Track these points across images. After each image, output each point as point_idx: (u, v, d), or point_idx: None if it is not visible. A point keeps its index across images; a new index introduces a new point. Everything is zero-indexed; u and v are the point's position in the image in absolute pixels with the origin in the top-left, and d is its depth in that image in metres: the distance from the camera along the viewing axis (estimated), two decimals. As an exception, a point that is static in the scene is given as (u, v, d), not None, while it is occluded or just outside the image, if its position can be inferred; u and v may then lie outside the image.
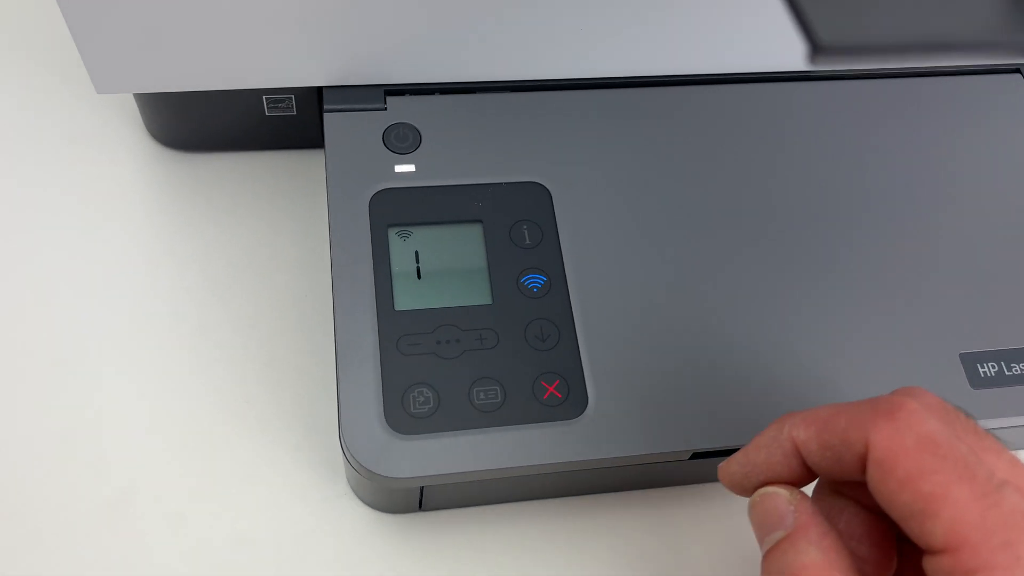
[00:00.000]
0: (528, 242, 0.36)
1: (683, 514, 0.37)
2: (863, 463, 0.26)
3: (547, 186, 0.38)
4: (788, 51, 0.40)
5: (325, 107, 0.38)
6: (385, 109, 0.39)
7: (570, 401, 0.34)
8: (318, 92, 0.39)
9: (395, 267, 0.35)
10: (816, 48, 0.16)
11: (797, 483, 0.28)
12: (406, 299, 0.35)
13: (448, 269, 0.36)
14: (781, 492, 0.28)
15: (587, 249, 0.36)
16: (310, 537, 0.36)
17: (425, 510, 0.36)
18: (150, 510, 0.35)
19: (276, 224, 0.41)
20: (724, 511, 0.38)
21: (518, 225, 0.37)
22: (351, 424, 0.32)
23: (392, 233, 0.36)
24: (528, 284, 0.36)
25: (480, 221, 0.37)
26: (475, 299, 0.35)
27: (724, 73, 0.41)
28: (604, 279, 0.36)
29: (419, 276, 0.35)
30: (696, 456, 0.34)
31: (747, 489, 0.29)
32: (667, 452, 0.33)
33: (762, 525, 0.28)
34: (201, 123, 0.41)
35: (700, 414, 0.34)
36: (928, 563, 0.24)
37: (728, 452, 0.34)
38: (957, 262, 0.38)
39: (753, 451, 0.29)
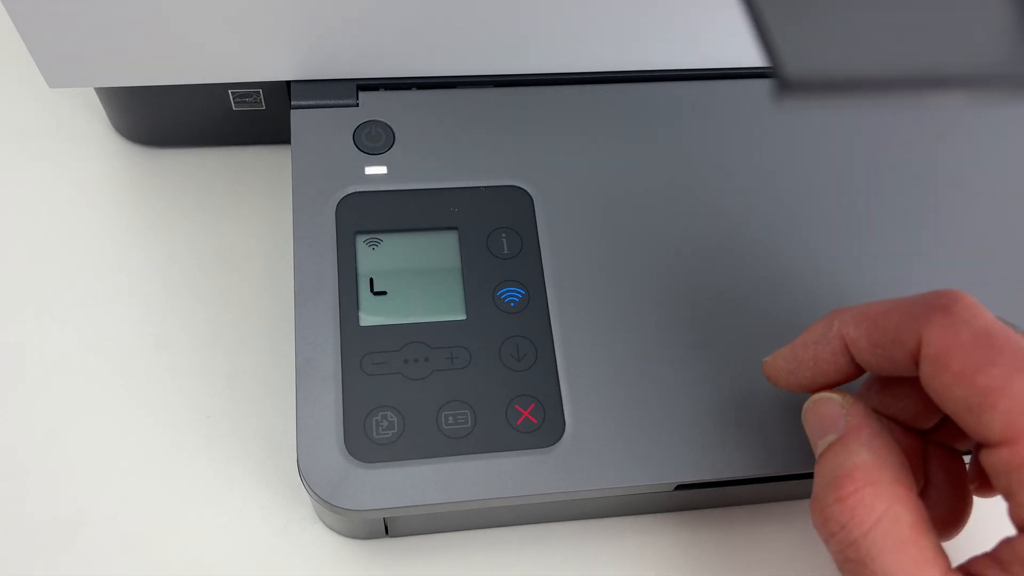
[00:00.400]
0: (506, 252, 0.34)
1: (668, 543, 0.35)
2: (915, 359, 0.25)
3: (529, 190, 0.35)
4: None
5: (292, 103, 0.36)
6: (357, 105, 0.36)
7: (546, 427, 0.31)
8: (287, 86, 0.37)
9: (361, 278, 0.33)
10: (782, 83, 0.13)
11: (844, 380, 0.28)
12: (372, 314, 0.32)
13: (419, 281, 0.33)
14: (834, 397, 0.28)
15: (570, 260, 0.34)
16: (272, 562, 0.33)
17: (393, 536, 0.34)
18: (103, 533, 0.33)
19: (244, 225, 0.39)
20: (712, 538, 0.35)
21: (496, 233, 0.34)
22: (308, 450, 0.30)
23: (360, 241, 0.33)
24: (505, 298, 0.33)
25: (455, 228, 0.34)
26: (447, 314, 0.33)
27: (721, 68, 0.38)
28: (587, 294, 0.33)
29: (387, 288, 0.33)
30: (681, 488, 0.32)
31: (791, 385, 0.29)
32: (649, 484, 0.31)
33: (815, 430, 0.28)
34: (166, 117, 0.39)
35: (686, 444, 0.31)
36: (985, 457, 0.24)
37: (716, 485, 0.32)
38: (954, 268, 0.35)
39: (800, 348, 0.28)
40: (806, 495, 0.35)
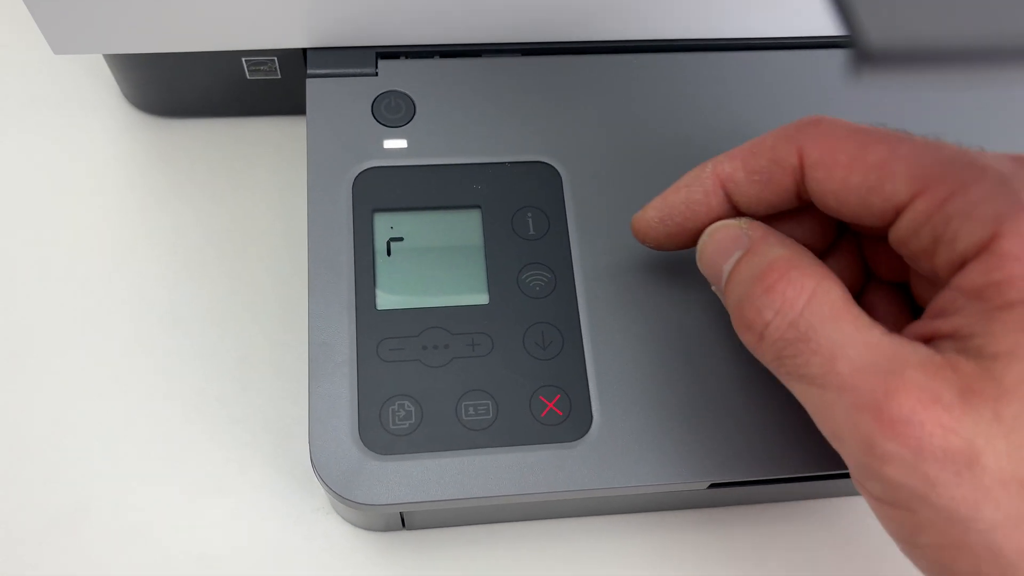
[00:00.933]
0: (532, 232, 0.32)
1: (698, 540, 0.33)
2: (796, 180, 0.26)
3: (557, 167, 0.33)
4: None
5: (308, 72, 0.34)
6: (376, 75, 0.34)
7: (572, 420, 0.29)
8: (303, 53, 0.35)
9: (379, 259, 0.31)
10: (862, 53, 0.11)
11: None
12: (390, 296, 0.31)
13: (439, 262, 0.31)
14: (731, 222, 0.27)
15: (600, 242, 0.32)
16: (284, 555, 0.32)
17: (410, 528, 0.33)
18: (107, 523, 0.32)
19: (258, 199, 0.37)
20: (747, 536, 0.33)
21: (522, 212, 0.32)
22: (321, 440, 0.29)
23: (378, 219, 0.32)
24: (530, 281, 0.31)
25: (479, 207, 0.32)
26: (469, 298, 0.31)
27: (768, 38, 0.35)
28: (618, 278, 0.31)
29: (405, 270, 0.31)
30: (715, 487, 0.30)
31: (661, 236, 0.28)
32: (681, 483, 0.29)
33: (718, 255, 0.27)
34: (178, 86, 0.37)
35: (722, 440, 0.29)
36: (899, 228, 0.24)
37: (753, 484, 0.30)
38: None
39: (672, 193, 0.28)
40: (845, 493, 0.34)
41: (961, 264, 0.23)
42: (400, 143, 0.33)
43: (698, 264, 0.28)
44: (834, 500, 0.34)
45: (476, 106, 0.34)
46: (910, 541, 0.23)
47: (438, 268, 0.31)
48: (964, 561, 0.22)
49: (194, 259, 0.36)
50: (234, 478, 0.33)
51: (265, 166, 0.38)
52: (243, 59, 0.35)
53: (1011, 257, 0.22)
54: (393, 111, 0.33)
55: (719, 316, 0.31)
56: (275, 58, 0.35)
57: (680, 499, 0.32)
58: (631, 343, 0.30)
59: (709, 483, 0.29)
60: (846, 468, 0.29)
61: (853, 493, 0.34)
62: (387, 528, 0.32)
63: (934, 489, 0.22)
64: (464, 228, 0.32)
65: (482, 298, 0.31)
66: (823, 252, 0.28)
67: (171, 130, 0.38)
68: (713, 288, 0.27)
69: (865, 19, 0.11)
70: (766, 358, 0.25)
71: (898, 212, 0.24)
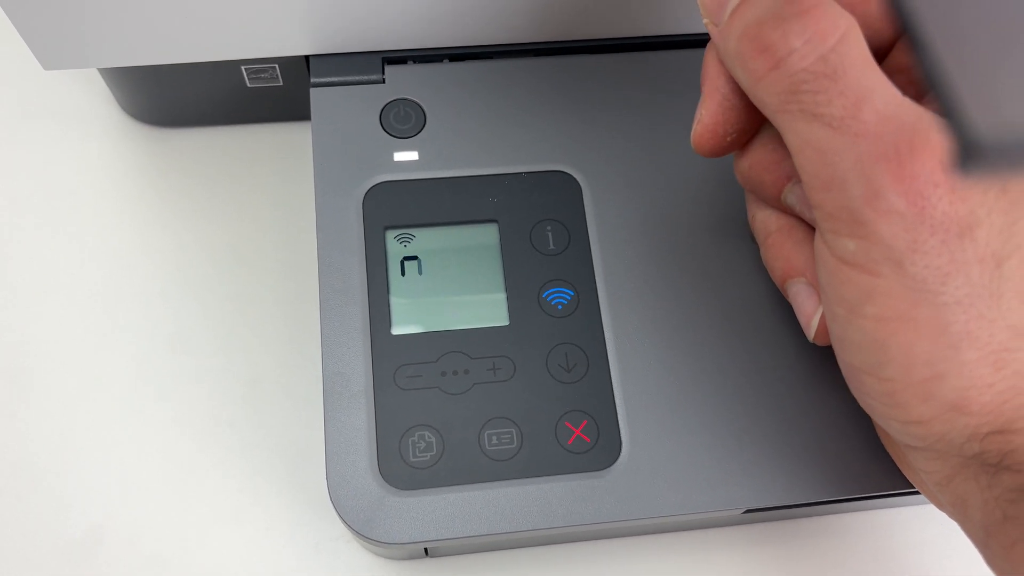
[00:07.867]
0: (552, 247, 0.30)
1: (730, 559, 0.32)
2: None
3: (576, 176, 0.31)
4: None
5: (312, 80, 0.32)
6: (383, 82, 0.32)
7: (600, 447, 0.28)
8: (306, 60, 0.33)
9: (393, 280, 0.30)
10: (970, 148, 0.09)
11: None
12: (405, 320, 0.29)
13: (456, 281, 0.30)
14: None
15: (624, 255, 0.30)
16: (303, 584, 0.31)
17: (434, 556, 0.32)
18: (121, 553, 0.31)
19: (264, 211, 0.36)
20: (780, 552, 0.32)
21: (541, 226, 0.31)
22: (339, 476, 0.27)
23: (390, 237, 0.30)
24: (552, 300, 0.30)
25: (495, 221, 0.31)
26: (488, 319, 0.29)
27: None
28: (644, 294, 0.30)
29: (421, 291, 0.30)
30: (750, 511, 0.29)
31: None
32: (716, 511, 0.28)
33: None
34: (176, 96, 0.35)
35: (756, 463, 0.28)
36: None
37: (789, 508, 0.29)
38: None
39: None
40: (882, 507, 0.33)
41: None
42: (411, 155, 0.31)
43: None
44: (871, 513, 0.33)
45: (489, 113, 0.32)
46: (855, 309, 0.22)
47: (455, 288, 0.30)
48: (902, 335, 0.21)
49: (198, 276, 0.35)
50: (250, 506, 0.32)
51: (270, 175, 0.36)
52: (243, 67, 0.33)
53: None
54: (402, 121, 0.32)
55: (752, 334, 0.29)
56: (276, 65, 0.33)
57: (712, 521, 0.31)
58: (660, 363, 0.29)
59: (744, 509, 0.28)
60: (885, 490, 0.28)
61: (890, 506, 0.33)
62: (410, 557, 0.31)
63: (914, 254, 0.21)
64: (481, 244, 0.30)
65: (502, 319, 0.29)
66: None
67: (170, 141, 0.37)
68: (705, 22, 0.25)
69: (971, 104, 0.09)
70: (772, 89, 0.22)
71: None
